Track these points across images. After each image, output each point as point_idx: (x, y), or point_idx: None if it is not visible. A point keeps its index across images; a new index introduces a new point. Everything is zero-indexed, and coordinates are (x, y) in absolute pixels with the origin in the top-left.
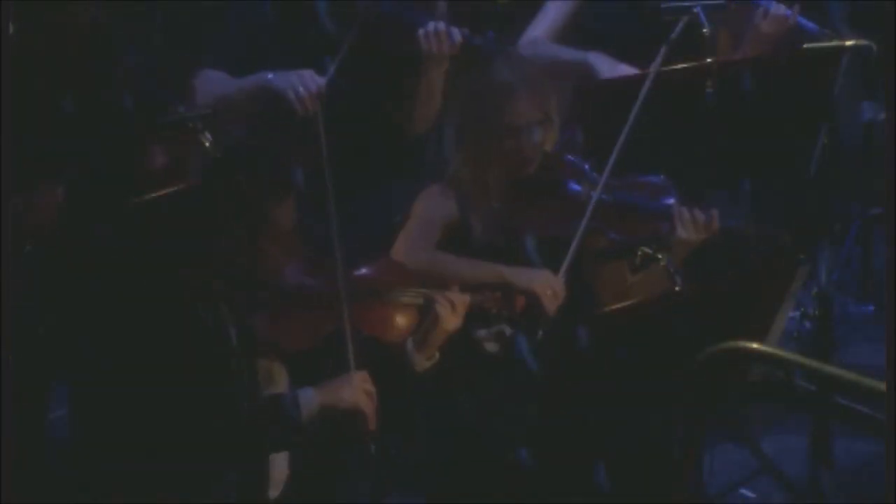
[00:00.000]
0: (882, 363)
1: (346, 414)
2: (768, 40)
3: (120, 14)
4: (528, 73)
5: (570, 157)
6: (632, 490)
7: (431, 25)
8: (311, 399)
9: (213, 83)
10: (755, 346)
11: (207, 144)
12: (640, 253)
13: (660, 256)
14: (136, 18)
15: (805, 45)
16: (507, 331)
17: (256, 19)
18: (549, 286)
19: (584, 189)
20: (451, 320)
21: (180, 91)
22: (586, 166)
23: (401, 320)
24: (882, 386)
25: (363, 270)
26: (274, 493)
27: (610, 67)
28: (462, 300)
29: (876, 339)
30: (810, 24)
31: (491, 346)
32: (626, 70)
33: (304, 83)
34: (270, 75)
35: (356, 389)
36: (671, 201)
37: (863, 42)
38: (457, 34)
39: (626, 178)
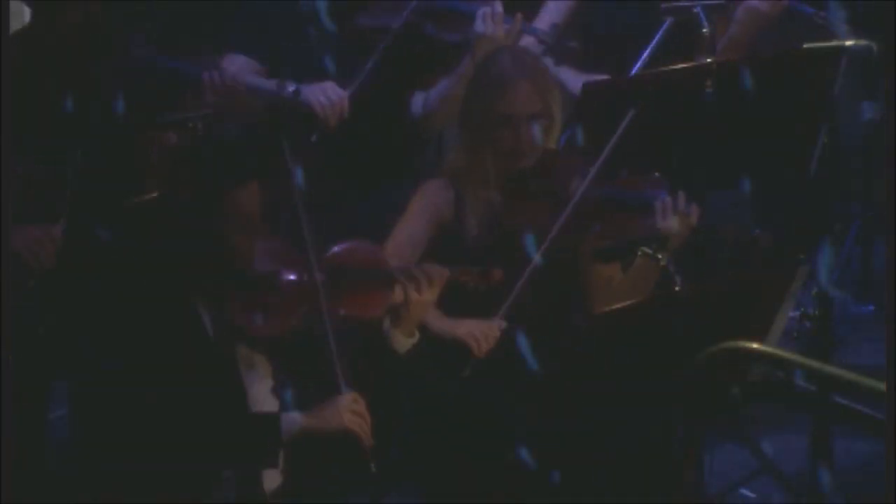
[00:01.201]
0: (882, 363)
1: (336, 435)
2: (760, 19)
3: (121, 12)
4: (530, 65)
5: (568, 154)
6: (632, 490)
7: (489, 8)
8: (294, 423)
9: (237, 67)
10: (755, 346)
11: None
12: (639, 253)
13: (660, 256)
14: (136, 17)
15: (805, 45)
16: (503, 325)
17: (257, 19)
18: (474, 333)
19: (577, 186)
20: (426, 294)
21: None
22: (584, 164)
23: (376, 296)
24: (882, 386)
25: (334, 251)
26: (271, 484)
27: (576, 82)
28: (439, 273)
29: (876, 339)
30: (806, 8)
31: None
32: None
33: (328, 95)
34: (292, 87)
35: (343, 413)
36: (658, 196)
37: (863, 42)
38: (519, 22)
39: (618, 176)
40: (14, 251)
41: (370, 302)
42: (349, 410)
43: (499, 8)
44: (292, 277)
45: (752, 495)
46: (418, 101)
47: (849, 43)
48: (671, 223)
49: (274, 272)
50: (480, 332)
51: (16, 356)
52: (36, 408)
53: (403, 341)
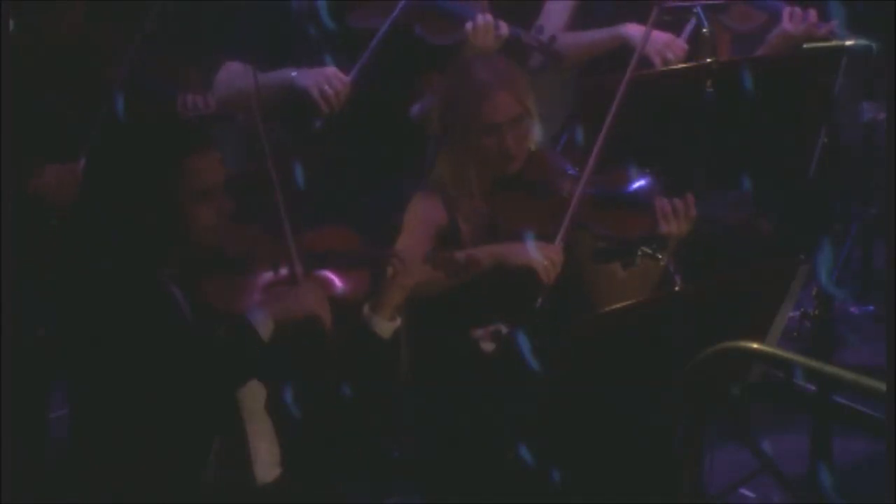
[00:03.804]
0: (882, 363)
1: (303, 321)
2: (790, 42)
3: (119, 12)
4: (504, 71)
5: (553, 154)
6: (632, 490)
7: (480, 18)
8: (263, 318)
9: (236, 76)
10: (755, 346)
11: None
12: (639, 253)
13: (660, 256)
14: (134, 17)
15: (805, 45)
16: (504, 329)
17: (256, 20)
18: (544, 257)
19: (567, 186)
20: (403, 275)
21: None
22: (569, 164)
23: (350, 280)
24: (882, 386)
25: (306, 237)
26: (268, 476)
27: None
28: (412, 255)
29: (876, 339)
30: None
31: (487, 346)
32: (660, 35)
33: (329, 81)
34: (294, 73)
35: (304, 294)
36: (654, 195)
37: (863, 42)
38: (504, 28)
39: (610, 173)
40: (38, 191)
41: (343, 285)
42: (310, 292)
43: (489, 17)
44: (267, 260)
45: (752, 495)
46: (416, 107)
47: (849, 43)
48: (675, 226)
49: (247, 253)
50: (548, 259)
51: (16, 356)
52: (36, 408)
53: (385, 326)
